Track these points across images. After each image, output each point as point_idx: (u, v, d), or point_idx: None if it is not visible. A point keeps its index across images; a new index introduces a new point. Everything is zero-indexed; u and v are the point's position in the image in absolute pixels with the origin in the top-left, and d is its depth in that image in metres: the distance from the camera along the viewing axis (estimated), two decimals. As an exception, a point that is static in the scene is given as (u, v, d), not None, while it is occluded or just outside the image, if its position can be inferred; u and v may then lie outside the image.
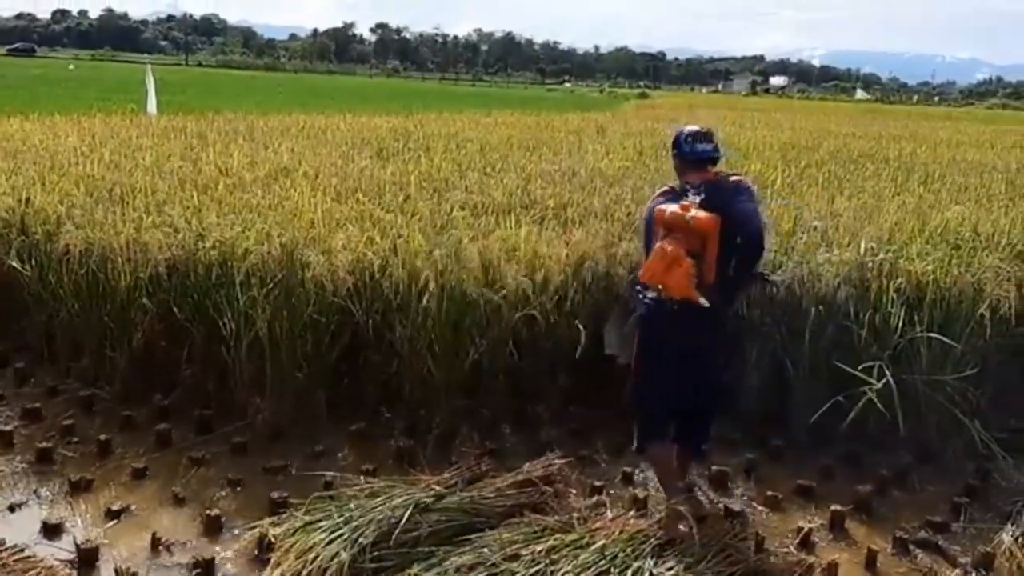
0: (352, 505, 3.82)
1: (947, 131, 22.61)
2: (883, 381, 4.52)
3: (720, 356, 4.44)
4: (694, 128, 4.20)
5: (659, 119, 21.42)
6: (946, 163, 12.13)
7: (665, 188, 4.22)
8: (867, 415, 4.60)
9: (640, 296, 4.09)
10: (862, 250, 5.20)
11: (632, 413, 4.41)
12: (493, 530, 3.78)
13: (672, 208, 3.91)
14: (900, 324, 4.76)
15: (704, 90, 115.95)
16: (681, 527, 3.85)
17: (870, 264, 5.09)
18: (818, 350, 4.95)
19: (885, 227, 5.92)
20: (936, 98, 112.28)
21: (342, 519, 3.70)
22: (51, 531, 3.79)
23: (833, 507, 4.27)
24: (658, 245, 3.92)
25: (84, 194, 6.20)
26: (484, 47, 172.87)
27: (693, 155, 4.11)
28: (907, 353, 4.79)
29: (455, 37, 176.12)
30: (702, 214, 3.82)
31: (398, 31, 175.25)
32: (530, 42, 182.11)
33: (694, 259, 3.82)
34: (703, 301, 3.80)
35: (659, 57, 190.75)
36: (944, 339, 4.69)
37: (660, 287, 3.92)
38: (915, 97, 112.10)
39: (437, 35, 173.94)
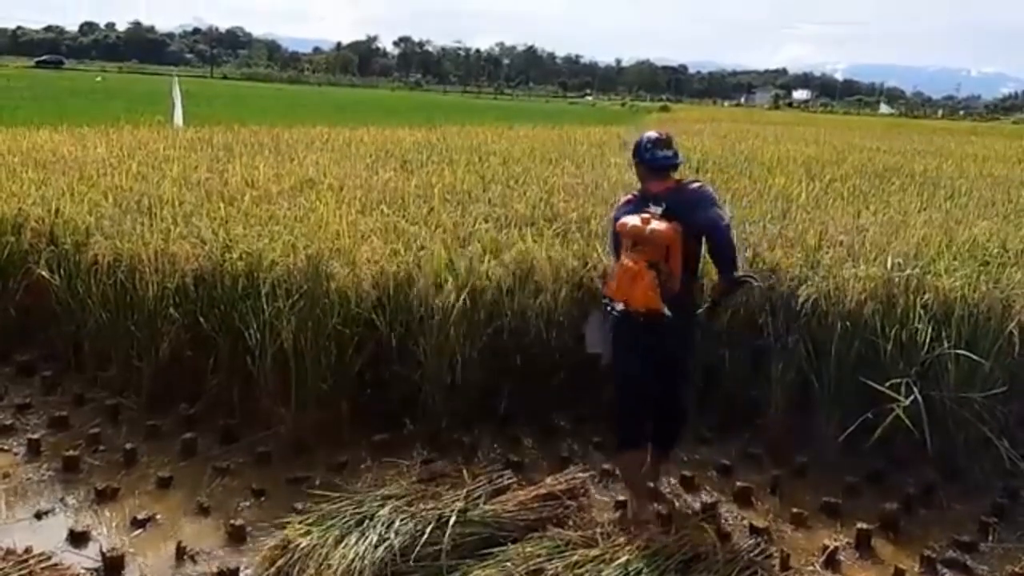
0: (374, 518, 3.82)
1: (973, 146, 22.41)
2: (911, 398, 4.48)
3: (688, 362, 4.49)
4: (654, 135, 4.31)
5: (682, 132, 21.40)
6: (973, 178, 12.03)
7: (629, 196, 4.32)
8: (893, 432, 4.56)
9: (609, 308, 4.18)
10: (889, 265, 5.16)
11: (614, 415, 4.46)
12: (516, 544, 3.75)
13: (633, 221, 4.02)
14: (927, 340, 4.71)
15: (726, 104, 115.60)
16: (650, 526, 4.00)
17: (897, 279, 5.05)
18: (844, 366, 4.91)
19: (912, 242, 5.87)
20: (961, 112, 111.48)
21: (363, 532, 3.70)
22: (77, 539, 3.83)
23: (859, 525, 4.22)
24: (620, 260, 4.04)
25: (113, 205, 6.28)
26: (506, 60, 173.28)
27: (655, 162, 4.21)
28: (934, 370, 4.73)
29: (477, 50, 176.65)
30: (662, 225, 3.94)
31: (420, 44, 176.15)
32: (552, 55, 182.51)
33: (657, 270, 3.93)
34: (665, 311, 3.92)
35: (681, 70, 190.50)
36: (972, 356, 4.63)
37: (625, 300, 4.03)
38: (940, 111, 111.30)
39: (459, 48, 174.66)
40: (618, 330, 4.20)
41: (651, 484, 4.47)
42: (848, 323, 4.91)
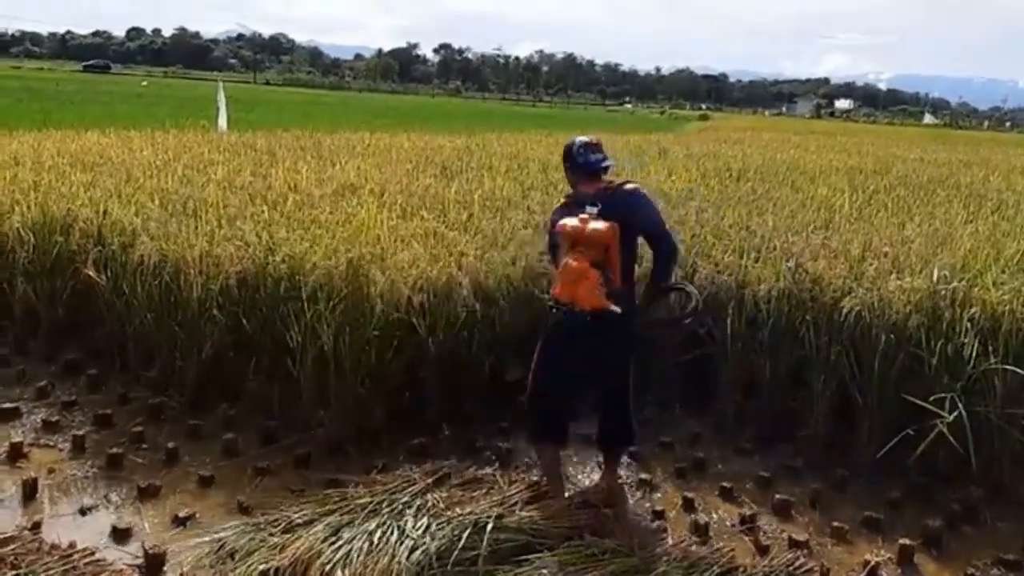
0: (410, 523, 3.84)
1: (1021, 159, 21.99)
2: (955, 414, 4.40)
3: (631, 354, 4.45)
4: (585, 139, 4.34)
5: (723, 141, 21.28)
6: (1021, 191, 11.80)
7: (563, 201, 4.35)
8: (936, 447, 4.48)
9: (554, 310, 4.17)
10: (935, 278, 5.08)
11: (527, 409, 4.50)
12: (552, 552, 3.75)
13: (572, 222, 4.04)
14: (974, 355, 4.63)
15: (767, 113, 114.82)
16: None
17: (943, 292, 4.97)
18: (887, 379, 4.84)
19: (958, 255, 5.77)
20: (1008, 124, 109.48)
21: (399, 536, 3.72)
22: (120, 535, 3.88)
23: (901, 541, 4.15)
24: (563, 262, 4.05)
25: (159, 207, 6.37)
26: (545, 68, 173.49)
27: (587, 165, 4.27)
28: (980, 385, 4.65)
29: (516, 58, 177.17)
30: (601, 225, 3.98)
31: (460, 52, 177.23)
32: (591, 63, 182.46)
33: (599, 269, 3.97)
34: (614, 308, 3.95)
35: (721, 79, 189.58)
36: (1020, 371, 4.55)
37: (571, 301, 4.03)
38: (986, 123, 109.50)
39: (499, 56, 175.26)
40: (558, 329, 4.20)
41: (605, 486, 4.51)
42: (892, 336, 4.84)
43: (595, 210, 4.04)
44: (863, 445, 4.91)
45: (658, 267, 4.22)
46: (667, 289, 4.23)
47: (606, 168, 4.30)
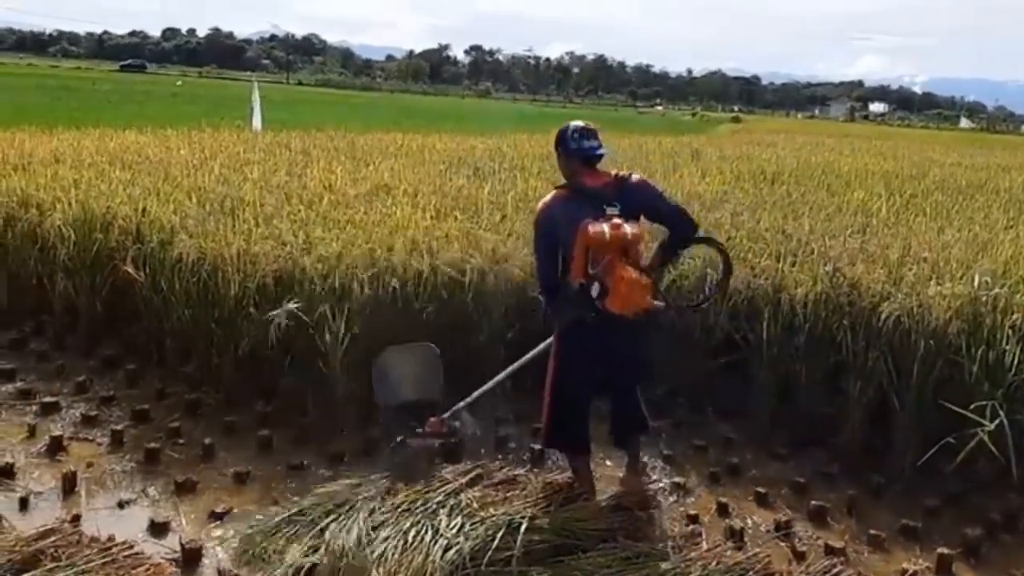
0: (444, 522, 3.85)
1: (1061, 162, 21.61)
2: (996, 422, 4.33)
3: (650, 347, 4.47)
4: (579, 124, 4.20)
5: (756, 143, 21.14)
6: (1062, 196, 11.60)
7: (560, 192, 4.13)
8: (976, 455, 4.42)
9: (592, 316, 3.95)
10: (975, 284, 5.01)
11: (547, 413, 4.34)
12: (586, 554, 3.74)
13: (604, 228, 3.83)
14: (1015, 362, 4.56)
15: (800, 115, 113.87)
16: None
17: (984, 298, 4.90)
18: (925, 386, 4.78)
19: (999, 260, 5.69)
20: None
21: (433, 535, 3.73)
22: (157, 529, 3.92)
23: (940, 550, 4.09)
24: (620, 274, 3.83)
25: (196, 205, 6.44)
26: (575, 69, 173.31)
27: (580, 152, 4.10)
28: (1022, 392, 4.58)
29: (547, 59, 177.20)
30: (636, 228, 3.96)
31: (491, 53, 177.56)
32: (622, 64, 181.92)
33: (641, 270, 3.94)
34: (658, 303, 4.02)
35: (753, 81, 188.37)
36: (1062, 379, 4.48)
37: (635, 312, 3.92)
38: (1023, 127, 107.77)
39: (529, 57, 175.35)
40: (579, 332, 4.06)
41: (639, 491, 4.44)
42: (931, 342, 4.77)
43: (615, 210, 3.93)
44: (900, 452, 4.85)
45: (681, 225, 4.15)
46: (701, 240, 4.30)
47: (600, 156, 4.14)
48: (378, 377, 4.56)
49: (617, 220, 3.91)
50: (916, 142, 32.98)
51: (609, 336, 4.03)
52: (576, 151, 4.12)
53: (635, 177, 4.14)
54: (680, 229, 4.18)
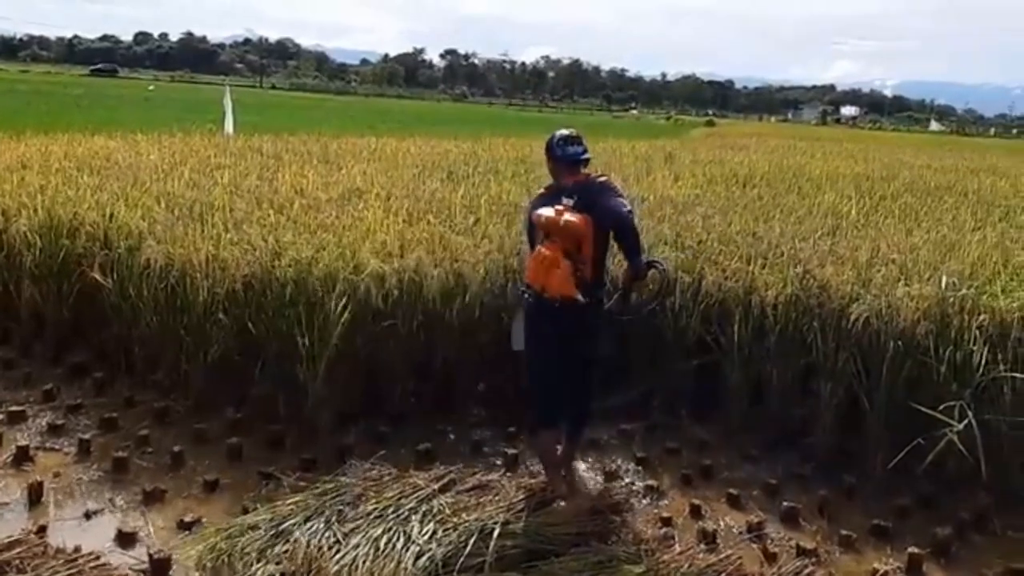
0: (416, 528, 3.83)
1: (1027, 165, 21.92)
2: (964, 422, 4.37)
3: (595, 346, 4.57)
4: (565, 132, 4.53)
5: (729, 147, 21.26)
6: (1028, 197, 11.76)
7: (543, 190, 4.55)
8: (946, 455, 4.46)
9: (524, 295, 4.41)
10: (943, 285, 5.06)
11: (529, 399, 4.63)
12: (559, 558, 3.74)
13: (547, 212, 4.23)
14: (983, 362, 4.60)
15: (773, 119, 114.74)
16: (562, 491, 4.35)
17: (951, 299, 4.95)
18: (895, 386, 4.82)
19: (966, 262, 5.75)
20: (1014, 131, 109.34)
21: (405, 542, 3.71)
22: (125, 539, 3.87)
23: (910, 549, 4.13)
24: (537, 249, 4.29)
25: (165, 210, 6.37)
26: (551, 74, 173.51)
27: (565, 157, 4.44)
28: (990, 393, 4.63)
29: (523, 64, 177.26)
30: (575, 217, 4.16)
31: (466, 57, 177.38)
32: (597, 69, 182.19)
33: (570, 259, 4.14)
34: (580, 297, 4.12)
35: (727, 85, 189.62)
36: (1029, 379, 4.52)
37: (542, 287, 4.21)
38: (992, 129, 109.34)
39: (505, 61, 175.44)
40: (531, 317, 4.41)
41: (563, 471, 4.57)
42: (900, 343, 4.82)
43: (571, 202, 4.21)
44: (871, 452, 4.89)
45: (626, 248, 4.37)
46: (649, 264, 4.51)
47: (585, 160, 4.45)
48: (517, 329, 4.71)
49: (561, 207, 4.19)
50: (887, 145, 33.35)
51: (544, 318, 4.30)
52: (561, 157, 4.46)
53: (601, 178, 4.46)
54: (617, 233, 4.31)
